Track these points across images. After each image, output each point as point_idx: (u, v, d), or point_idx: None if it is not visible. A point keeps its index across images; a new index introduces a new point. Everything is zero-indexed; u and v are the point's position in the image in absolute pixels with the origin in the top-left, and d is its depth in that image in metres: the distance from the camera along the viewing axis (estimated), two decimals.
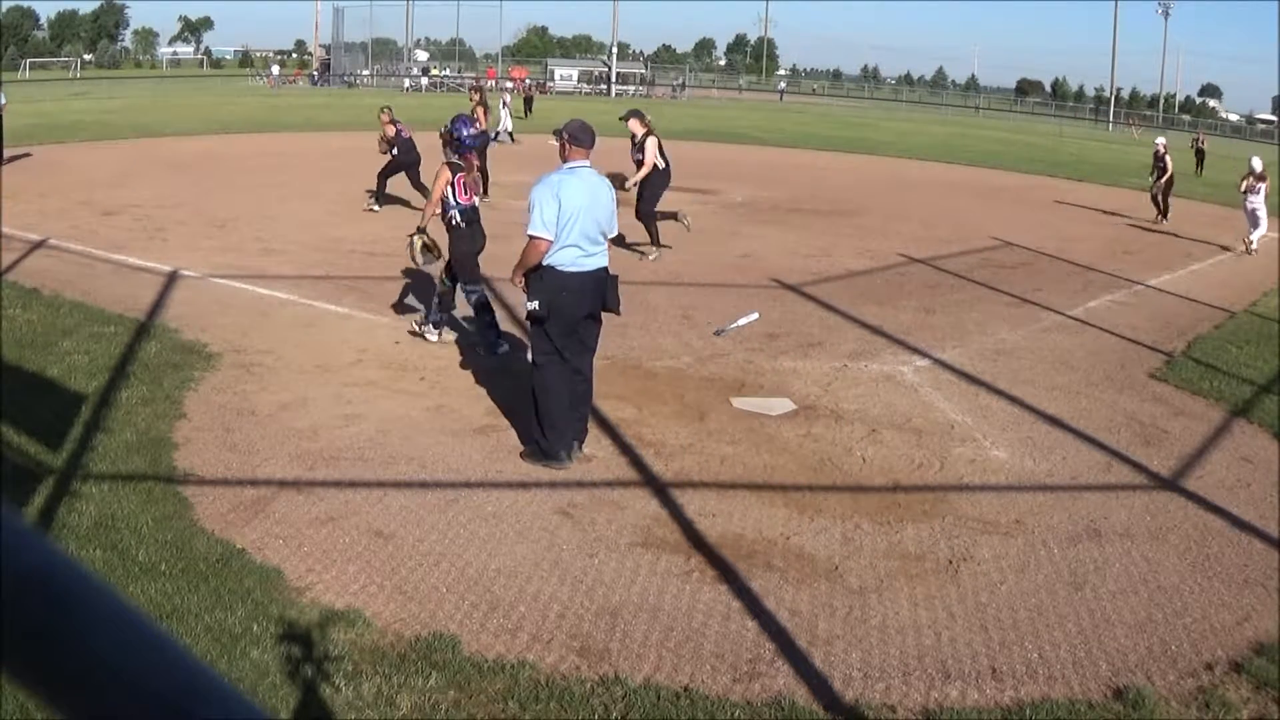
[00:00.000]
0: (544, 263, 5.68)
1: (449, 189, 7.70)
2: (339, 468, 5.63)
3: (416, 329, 8.07)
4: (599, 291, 5.82)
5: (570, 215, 5.61)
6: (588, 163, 5.86)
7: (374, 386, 6.97)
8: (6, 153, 17.52)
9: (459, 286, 7.80)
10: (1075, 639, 4.22)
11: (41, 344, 7.33)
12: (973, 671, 3.97)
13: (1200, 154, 29.73)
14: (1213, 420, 7.17)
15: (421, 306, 8.40)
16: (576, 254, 5.67)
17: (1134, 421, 7.06)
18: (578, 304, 5.72)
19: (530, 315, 5.77)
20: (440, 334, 8.01)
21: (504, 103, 28.83)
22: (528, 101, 40.44)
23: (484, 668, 3.79)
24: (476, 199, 7.92)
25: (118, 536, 4.58)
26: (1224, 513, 5.60)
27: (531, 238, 5.67)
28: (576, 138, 5.83)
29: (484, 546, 4.78)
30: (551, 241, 5.63)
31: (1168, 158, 17.92)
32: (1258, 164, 15.37)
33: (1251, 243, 15.21)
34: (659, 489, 5.56)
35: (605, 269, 5.86)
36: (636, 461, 5.91)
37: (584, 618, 4.21)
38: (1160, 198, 17.93)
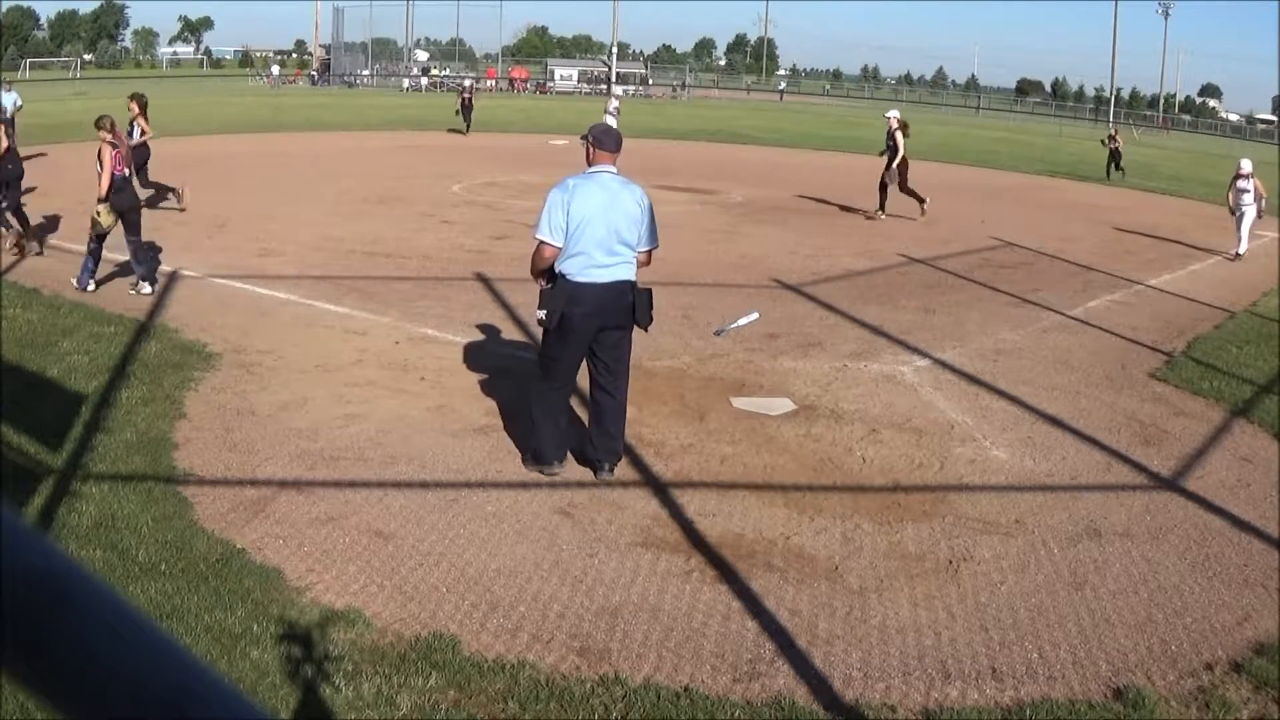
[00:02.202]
0: (556, 269, 5.51)
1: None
2: (339, 468, 5.63)
3: (134, 289, 9.09)
4: (618, 305, 5.52)
5: (580, 221, 5.39)
6: (612, 168, 5.63)
7: (374, 386, 6.96)
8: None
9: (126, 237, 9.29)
10: (1075, 639, 4.22)
11: (41, 344, 7.33)
12: (973, 671, 3.97)
13: (1114, 154, 25.72)
14: (1213, 420, 7.17)
15: (138, 269, 9.28)
16: (586, 262, 5.43)
17: (1134, 421, 7.06)
18: (589, 318, 5.48)
19: (539, 322, 5.71)
20: (146, 286, 9.15)
21: (609, 109, 25.19)
22: (466, 108, 29.67)
23: (484, 668, 3.79)
24: (127, 170, 9.51)
25: (118, 536, 4.59)
26: (1224, 513, 5.60)
27: (537, 241, 5.52)
28: (600, 141, 5.64)
29: (484, 546, 4.78)
30: (558, 247, 5.45)
31: (899, 134, 15.95)
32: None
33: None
34: (659, 489, 5.56)
35: (627, 282, 5.53)
36: (636, 461, 5.90)
37: (584, 618, 4.21)
38: (891, 184, 16.02)
